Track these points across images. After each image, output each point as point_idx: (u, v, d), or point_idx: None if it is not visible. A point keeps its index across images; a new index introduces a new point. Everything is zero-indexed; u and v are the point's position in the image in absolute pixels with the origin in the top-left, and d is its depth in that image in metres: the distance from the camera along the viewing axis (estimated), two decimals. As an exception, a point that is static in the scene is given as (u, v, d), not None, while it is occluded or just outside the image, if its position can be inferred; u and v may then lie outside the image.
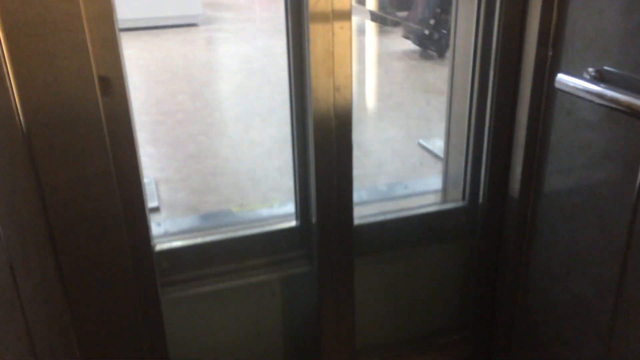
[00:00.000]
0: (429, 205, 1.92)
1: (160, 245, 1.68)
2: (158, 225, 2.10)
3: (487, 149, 1.71)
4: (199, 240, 1.73)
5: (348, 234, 1.73)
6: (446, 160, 2.14)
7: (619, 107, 1.15)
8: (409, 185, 2.39)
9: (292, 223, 1.81)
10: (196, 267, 1.73)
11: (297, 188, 1.78)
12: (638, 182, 1.19)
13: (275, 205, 2.26)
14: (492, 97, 1.60)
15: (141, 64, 4.88)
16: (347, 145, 1.53)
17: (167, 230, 2.09)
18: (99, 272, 1.38)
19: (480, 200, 1.81)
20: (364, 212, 2.20)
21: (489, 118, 1.63)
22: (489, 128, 1.64)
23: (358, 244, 1.80)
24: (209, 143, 3.00)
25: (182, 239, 1.72)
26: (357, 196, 2.24)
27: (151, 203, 2.27)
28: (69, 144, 1.23)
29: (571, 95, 1.33)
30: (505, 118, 1.60)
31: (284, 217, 2.20)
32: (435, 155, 2.75)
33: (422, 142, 2.89)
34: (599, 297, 1.38)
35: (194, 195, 2.39)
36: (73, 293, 1.38)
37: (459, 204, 1.95)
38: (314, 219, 1.69)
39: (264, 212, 2.22)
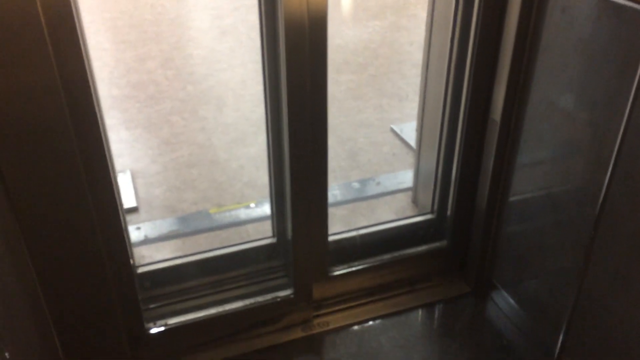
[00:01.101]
0: (400, 219, 2.02)
1: (142, 268, 1.76)
2: (138, 229, 2.16)
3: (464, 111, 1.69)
4: (180, 261, 1.82)
5: (323, 249, 1.83)
6: (418, 152, 2.21)
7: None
8: (381, 182, 2.48)
9: (269, 240, 1.91)
10: (178, 283, 1.82)
11: (273, 189, 1.81)
12: (636, 81, 1.16)
13: (252, 205, 2.33)
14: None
15: (107, 18, 4.68)
16: (321, 51, 1.41)
17: (147, 235, 2.15)
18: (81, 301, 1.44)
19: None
20: (337, 212, 2.29)
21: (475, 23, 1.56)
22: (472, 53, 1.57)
23: (333, 255, 1.90)
24: (182, 125, 2.99)
25: (164, 261, 1.80)
26: (330, 194, 2.32)
27: (130, 203, 2.31)
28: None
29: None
30: (493, 23, 1.52)
31: (261, 219, 2.28)
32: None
33: (394, 128, 2.94)
34: (582, 206, 1.40)
35: (171, 192, 2.43)
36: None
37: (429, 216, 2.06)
38: (289, 236, 1.78)
39: (242, 213, 2.30)
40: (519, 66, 1.54)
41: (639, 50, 1.18)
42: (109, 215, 1.40)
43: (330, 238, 1.89)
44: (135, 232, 2.14)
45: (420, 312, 1.90)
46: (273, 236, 1.91)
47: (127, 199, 2.32)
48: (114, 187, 1.39)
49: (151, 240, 2.11)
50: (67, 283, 1.40)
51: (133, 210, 2.28)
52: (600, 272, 1.41)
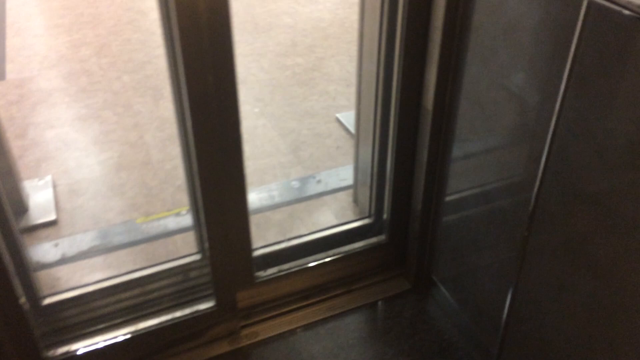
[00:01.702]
0: (335, 225, 1.91)
1: (48, 299, 1.61)
2: (55, 247, 2.00)
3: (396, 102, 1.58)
4: (88, 289, 1.67)
5: (247, 266, 1.70)
6: (357, 146, 2.08)
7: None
8: (322, 179, 2.35)
9: (195, 257, 1.77)
10: (88, 310, 1.67)
11: (195, 196, 1.66)
12: (566, 71, 1.10)
13: (183, 212, 2.18)
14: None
15: (41, -1, 4.37)
16: (225, 35, 1.26)
17: (65, 253, 1.99)
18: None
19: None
20: (273, 216, 2.16)
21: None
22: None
23: (260, 259, 1.78)
24: (114, 122, 2.80)
25: (71, 290, 1.65)
26: (268, 194, 2.19)
27: (49, 216, 2.13)
28: None
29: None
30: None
31: (191, 228, 2.12)
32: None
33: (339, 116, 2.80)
34: (515, 204, 1.37)
35: (97, 201, 2.26)
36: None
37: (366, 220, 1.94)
38: (209, 253, 1.65)
39: (171, 221, 2.15)
40: (450, 50, 1.45)
41: (569, 37, 1.08)
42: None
43: (259, 252, 1.77)
44: (52, 250, 1.97)
45: (357, 314, 1.81)
46: (198, 252, 1.77)
47: (46, 212, 2.14)
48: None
49: (69, 259, 1.95)
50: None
51: (52, 223, 2.11)
52: (535, 274, 1.36)
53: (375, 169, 1.86)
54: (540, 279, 1.34)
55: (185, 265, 1.76)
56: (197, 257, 1.75)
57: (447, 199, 1.67)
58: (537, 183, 1.26)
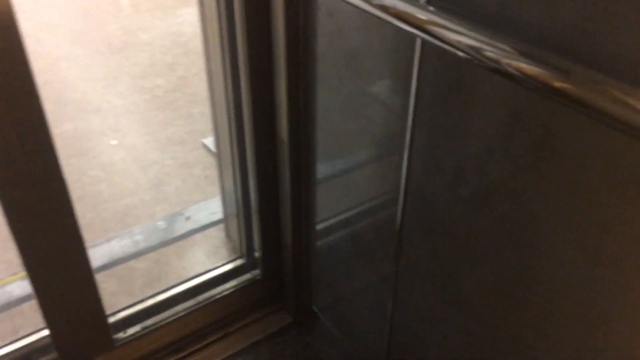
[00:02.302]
0: (204, 272, 1.77)
1: None
2: None
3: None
4: None
5: (102, 331, 1.52)
6: (221, 176, 1.95)
7: (374, 10, 0.96)
8: (191, 215, 2.19)
9: (43, 332, 1.54)
10: None
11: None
12: (411, 106, 1.06)
13: (29, 274, 1.91)
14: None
15: None
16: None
17: None
18: None
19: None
20: (138, 265, 1.97)
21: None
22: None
23: (119, 327, 1.60)
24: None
25: None
26: (130, 240, 1.99)
27: None
28: None
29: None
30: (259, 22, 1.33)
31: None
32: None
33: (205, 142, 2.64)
34: (381, 240, 1.34)
35: None
36: None
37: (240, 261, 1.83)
38: (50, 324, 1.44)
39: (16, 287, 1.88)
40: (297, 78, 1.37)
41: (410, 73, 1.04)
42: None
43: (119, 314, 1.59)
44: None
45: (238, 359, 1.69)
46: (47, 326, 1.54)
47: None
48: None
49: None
50: None
51: None
52: (408, 306, 1.32)
53: (240, 202, 1.75)
54: (414, 312, 1.31)
55: (32, 343, 1.53)
56: (44, 332, 1.53)
57: (318, 227, 1.61)
58: (399, 218, 1.23)
